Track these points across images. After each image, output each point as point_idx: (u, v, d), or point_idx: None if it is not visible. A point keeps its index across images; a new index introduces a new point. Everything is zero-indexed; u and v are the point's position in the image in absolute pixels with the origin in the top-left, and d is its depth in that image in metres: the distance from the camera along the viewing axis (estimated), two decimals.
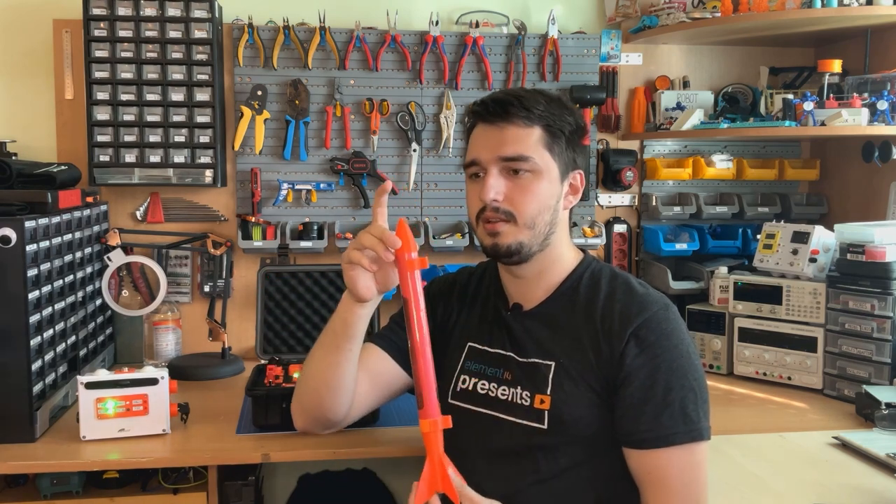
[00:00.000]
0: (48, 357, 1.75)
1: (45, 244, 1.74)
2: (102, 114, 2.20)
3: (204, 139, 2.24)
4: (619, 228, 2.56)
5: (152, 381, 1.68)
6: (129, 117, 2.21)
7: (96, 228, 2.15)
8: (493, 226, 1.26)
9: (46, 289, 1.75)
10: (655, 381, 1.20)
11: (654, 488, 1.19)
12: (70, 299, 1.91)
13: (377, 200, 1.23)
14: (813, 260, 2.04)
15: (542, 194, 1.26)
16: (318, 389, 1.34)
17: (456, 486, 1.11)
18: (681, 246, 2.47)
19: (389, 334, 1.47)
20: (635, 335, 1.22)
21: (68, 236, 1.91)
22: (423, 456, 1.59)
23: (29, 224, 1.65)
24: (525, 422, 1.26)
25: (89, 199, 2.08)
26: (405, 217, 1.23)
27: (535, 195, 1.25)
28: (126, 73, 2.20)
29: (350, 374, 1.32)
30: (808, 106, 2.16)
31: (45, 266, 1.74)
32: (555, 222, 1.29)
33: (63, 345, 1.85)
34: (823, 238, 2.05)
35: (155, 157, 2.23)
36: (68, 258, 1.91)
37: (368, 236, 1.17)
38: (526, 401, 1.27)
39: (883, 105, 2.11)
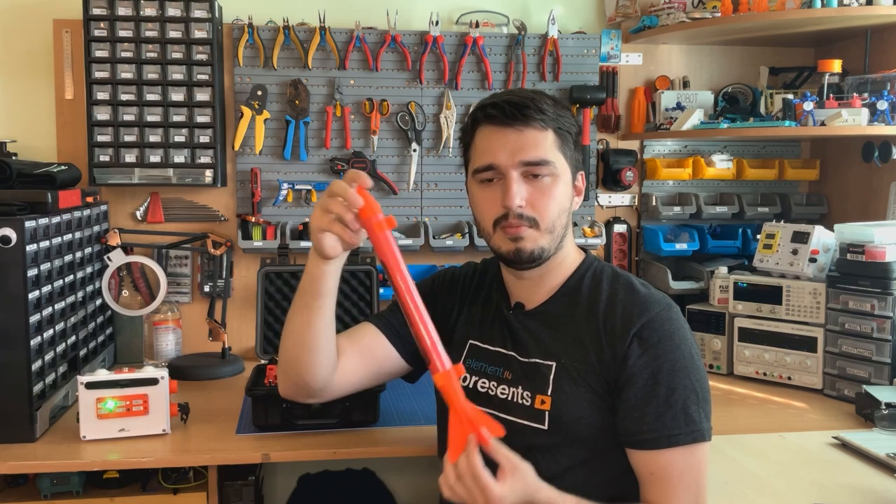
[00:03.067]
0: (48, 357, 1.75)
1: (45, 244, 1.74)
2: (102, 114, 2.20)
3: (204, 139, 2.24)
4: (619, 228, 2.56)
5: (152, 381, 1.68)
6: (129, 117, 2.21)
7: (96, 228, 2.15)
8: (516, 230, 1.24)
9: (46, 289, 1.75)
10: (658, 381, 1.20)
11: (656, 488, 1.19)
12: (70, 299, 1.91)
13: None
14: (813, 260, 2.04)
15: (561, 197, 1.26)
16: (293, 351, 1.31)
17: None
18: (681, 246, 2.47)
19: (387, 314, 1.46)
20: (638, 336, 1.22)
21: (68, 236, 1.91)
22: (424, 456, 1.60)
23: (29, 224, 1.65)
24: (525, 422, 1.26)
25: (89, 199, 2.08)
26: (362, 173, 1.17)
27: (555, 199, 1.25)
28: (126, 73, 2.20)
29: (324, 333, 1.28)
30: (808, 106, 2.16)
31: (45, 266, 1.74)
32: (569, 224, 1.30)
33: (63, 345, 1.85)
34: (823, 238, 2.05)
35: (155, 157, 2.23)
36: (68, 258, 1.91)
37: (334, 202, 1.13)
38: (526, 401, 1.27)
39: (883, 105, 2.11)
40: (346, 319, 2.25)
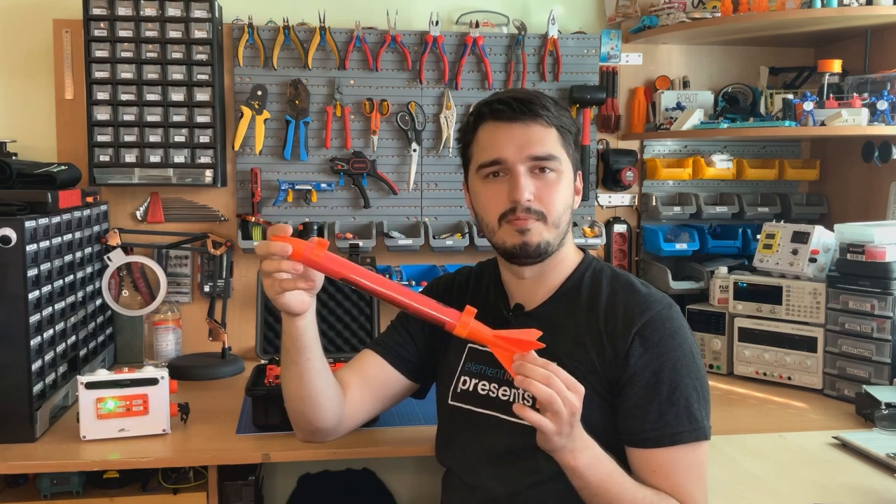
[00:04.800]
0: (48, 357, 1.75)
1: (45, 244, 1.74)
2: (102, 114, 2.20)
3: (204, 139, 2.24)
4: (619, 228, 2.56)
5: (152, 381, 1.68)
6: (129, 117, 2.21)
7: (96, 228, 2.15)
8: (523, 222, 1.24)
9: (46, 289, 1.75)
10: (660, 380, 1.20)
11: (657, 487, 1.19)
12: (70, 299, 1.91)
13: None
14: (813, 260, 2.04)
15: (565, 193, 1.27)
16: (296, 404, 1.33)
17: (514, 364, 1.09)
18: (681, 246, 2.47)
19: (386, 339, 1.46)
20: (640, 335, 1.22)
21: (68, 236, 1.91)
22: (424, 456, 1.61)
23: (29, 224, 1.65)
24: (527, 422, 1.26)
25: (89, 199, 2.08)
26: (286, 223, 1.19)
27: (560, 194, 1.26)
28: (126, 73, 2.20)
29: (320, 382, 1.29)
30: (808, 106, 2.16)
31: (45, 266, 1.74)
32: (570, 221, 1.31)
33: (63, 345, 1.85)
34: (823, 238, 2.05)
35: (155, 157, 2.23)
36: (68, 258, 1.91)
37: (268, 263, 1.14)
38: (528, 402, 1.26)
39: (883, 105, 2.11)
40: (346, 320, 2.25)
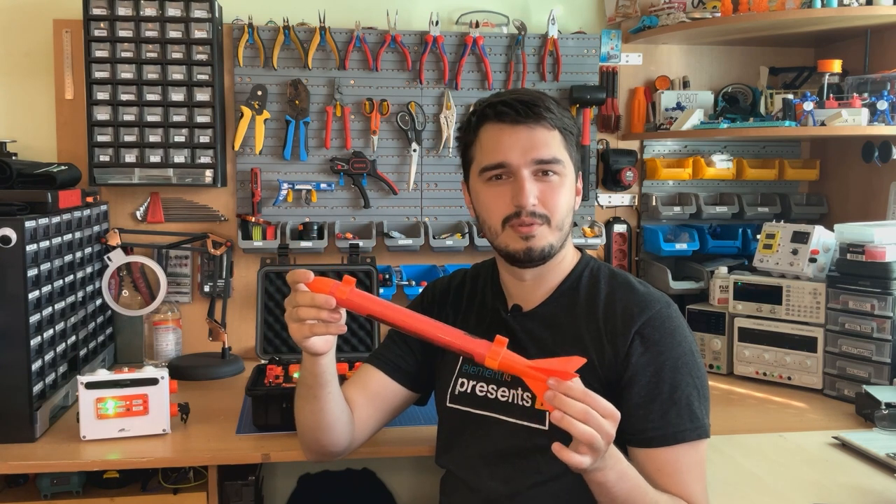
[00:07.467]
0: (48, 357, 1.75)
1: (45, 244, 1.74)
2: (102, 114, 2.20)
3: (204, 139, 2.24)
4: (619, 228, 2.56)
5: (152, 381, 1.68)
6: (129, 117, 2.21)
7: (96, 228, 2.15)
8: (529, 228, 1.23)
9: (46, 289, 1.75)
10: (661, 379, 1.20)
11: (662, 486, 1.19)
12: (70, 299, 1.91)
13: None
14: (813, 260, 2.04)
15: (567, 196, 1.27)
16: (312, 433, 1.33)
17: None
18: (681, 246, 2.47)
19: (385, 352, 1.46)
20: (640, 334, 1.22)
21: (68, 236, 1.91)
22: (424, 456, 1.61)
23: (29, 224, 1.65)
24: (526, 423, 1.26)
25: (89, 199, 2.08)
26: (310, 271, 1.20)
27: (564, 197, 1.25)
28: (126, 73, 2.20)
29: (337, 411, 1.31)
30: (808, 106, 2.16)
31: (45, 266, 1.74)
32: (572, 223, 1.31)
33: (63, 345, 1.85)
34: (823, 238, 2.05)
35: (155, 157, 2.23)
36: (68, 258, 1.91)
37: (304, 310, 1.14)
38: (527, 402, 1.27)
39: (883, 105, 2.11)
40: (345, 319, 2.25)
